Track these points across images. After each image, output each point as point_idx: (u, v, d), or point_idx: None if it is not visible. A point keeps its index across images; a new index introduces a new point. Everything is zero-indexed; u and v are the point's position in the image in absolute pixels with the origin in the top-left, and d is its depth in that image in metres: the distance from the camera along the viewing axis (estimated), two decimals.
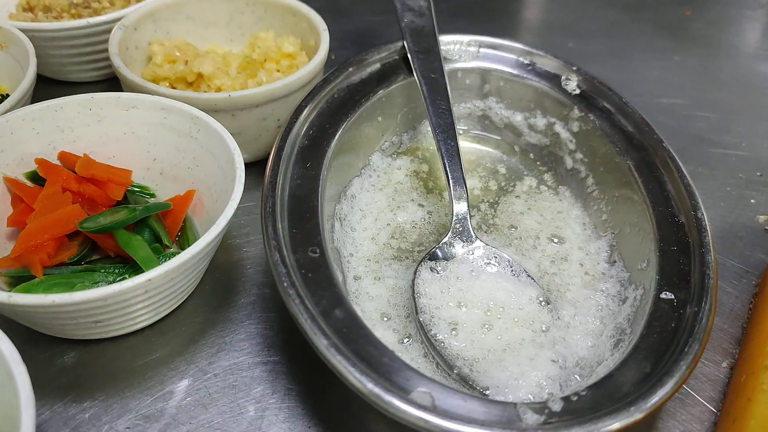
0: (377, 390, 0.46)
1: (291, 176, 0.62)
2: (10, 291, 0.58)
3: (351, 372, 0.47)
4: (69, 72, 0.87)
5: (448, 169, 0.67)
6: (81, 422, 0.55)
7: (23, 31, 0.77)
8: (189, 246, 0.61)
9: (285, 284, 0.53)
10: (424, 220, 0.71)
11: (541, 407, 0.48)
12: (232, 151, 0.62)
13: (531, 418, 0.47)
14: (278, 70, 0.80)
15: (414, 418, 0.45)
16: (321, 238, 0.58)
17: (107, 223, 0.61)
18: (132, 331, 0.61)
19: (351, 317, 0.52)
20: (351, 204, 0.71)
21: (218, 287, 0.66)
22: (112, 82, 0.91)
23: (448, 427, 0.45)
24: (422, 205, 0.72)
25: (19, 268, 0.60)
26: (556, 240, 0.70)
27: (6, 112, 0.66)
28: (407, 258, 0.67)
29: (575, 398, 0.49)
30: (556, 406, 0.48)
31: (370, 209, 0.71)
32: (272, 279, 0.67)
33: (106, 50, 0.82)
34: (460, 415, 0.46)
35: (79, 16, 0.90)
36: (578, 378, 0.57)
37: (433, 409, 0.46)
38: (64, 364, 0.59)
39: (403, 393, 0.47)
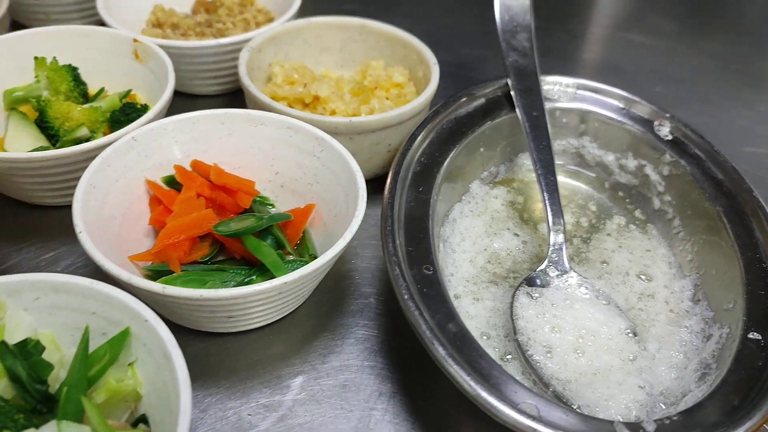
0: (490, 399, 0.52)
1: (406, 199, 0.68)
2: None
3: (466, 380, 0.53)
4: (193, 86, 0.95)
5: (547, 201, 0.72)
6: (209, 405, 0.62)
7: (160, 47, 0.85)
8: (308, 254, 0.67)
9: (405, 296, 0.58)
10: (519, 248, 0.76)
11: (635, 427, 0.52)
12: (354, 172, 0.68)
13: None
14: (387, 98, 0.85)
15: (523, 426, 0.50)
16: (433, 257, 0.64)
17: (238, 229, 0.67)
18: (254, 327, 0.67)
19: (462, 332, 0.57)
20: (452, 227, 0.76)
21: (329, 295, 0.72)
22: (231, 96, 0.98)
23: None
24: (517, 235, 0.77)
25: (158, 262, 0.67)
26: (644, 277, 0.74)
27: (149, 122, 0.73)
28: (503, 282, 0.72)
29: (668, 421, 0.53)
30: (650, 427, 0.52)
31: (468, 233, 0.76)
32: (378, 290, 0.73)
33: (229, 67, 0.90)
34: (563, 426, 0.51)
35: (203, 35, 0.98)
36: (663, 406, 0.61)
37: (540, 419, 0.51)
38: (193, 353, 0.65)
39: (512, 403, 0.52)
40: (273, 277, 0.61)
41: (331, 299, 0.72)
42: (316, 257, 0.70)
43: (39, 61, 0.82)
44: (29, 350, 0.54)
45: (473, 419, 0.62)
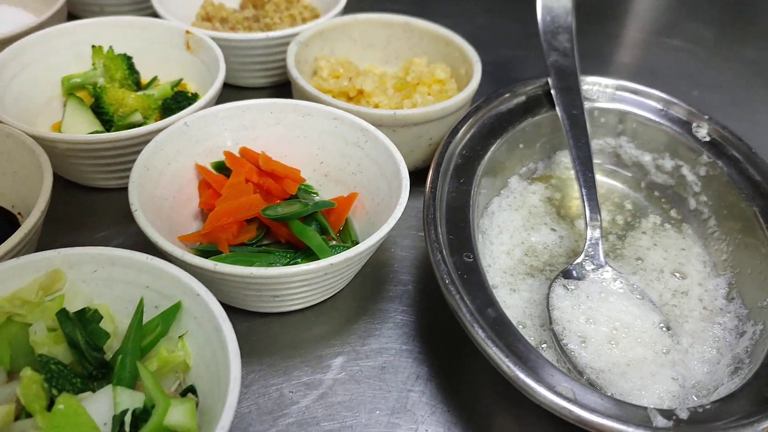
0: (528, 380, 0.53)
1: (447, 189, 0.70)
2: None
3: (505, 362, 0.54)
4: (240, 78, 0.97)
5: (585, 197, 0.74)
6: (252, 381, 0.64)
7: (212, 39, 0.87)
8: (350, 240, 0.70)
9: (446, 281, 0.60)
10: (555, 243, 0.78)
11: (669, 413, 0.54)
12: (398, 162, 0.71)
13: (661, 422, 0.53)
14: (429, 94, 0.88)
15: (560, 407, 0.52)
16: (473, 245, 0.65)
17: (284, 213, 0.70)
18: (297, 309, 0.69)
19: (501, 317, 0.59)
20: (491, 220, 0.78)
21: (369, 281, 0.74)
22: (276, 89, 1.01)
23: (589, 417, 0.51)
24: (554, 230, 0.79)
25: (207, 243, 0.70)
26: (678, 275, 0.75)
27: (200, 110, 0.76)
28: (540, 275, 0.74)
29: (701, 410, 0.54)
30: (683, 414, 0.54)
31: (506, 227, 0.78)
32: (416, 278, 0.75)
33: (276, 60, 0.93)
34: (598, 410, 0.53)
35: (251, 29, 1.01)
36: (695, 398, 0.63)
37: (576, 402, 0.53)
38: (238, 331, 0.66)
39: (549, 386, 0.54)
40: (318, 260, 0.63)
41: (370, 285, 0.74)
42: (358, 243, 0.72)
43: (96, 49, 0.85)
44: (87, 318, 0.57)
45: (507, 404, 0.64)
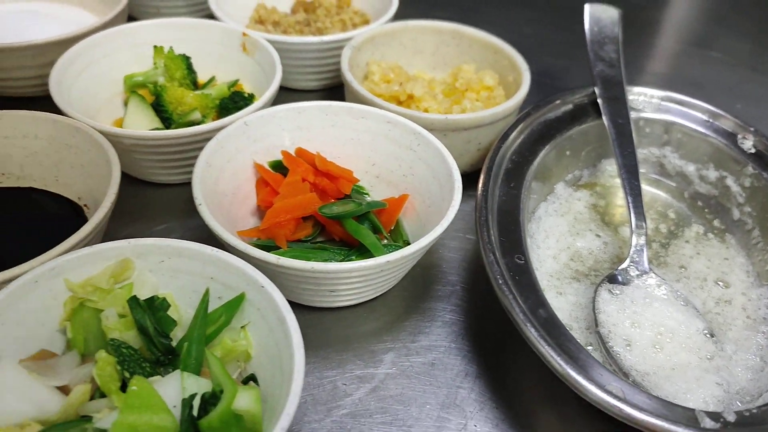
0: (579, 378, 0.55)
1: (498, 193, 0.72)
2: None
3: (557, 360, 0.56)
4: (292, 80, 1.00)
5: (631, 204, 0.75)
6: (307, 372, 0.66)
7: (268, 41, 0.90)
8: (402, 240, 0.72)
9: (499, 281, 0.62)
10: (600, 249, 0.79)
11: (716, 416, 0.55)
12: (451, 165, 0.73)
13: (708, 423, 0.54)
14: (477, 100, 0.90)
15: (610, 405, 0.54)
16: (524, 248, 0.67)
17: (340, 212, 0.72)
18: (349, 305, 0.71)
19: (552, 317, 0.61)
20: (538, 224, 0.80)
21: (418, 281, 0.76)
22: (326, 92, 1.04)
23: (640, 416, 0.53)
24: (599, 236, 0.81)
25: (265, 239, 0.72)
26: (721, 284, 0.76)
27: (258, 110, 0.78)
28: (585, 279, 0.75)
29: (747, 414, 0.56)
30: (731, 417, 0.55)
31: (553, 231, 0.80)
32: (464, 278, 0.77)
33: (327, 64, 0.96)
34: (647, 409, 0.54)
35: (302, 32, 1.04)
36: (739, 404, 0.64)
37: (626, 401, 0.54)
38: None
39: (599, 384, 0.55)
40: (372, 257, 0.65)
41: (419, 285, 0.76)
42: (409, 243, 0.74)
43: (158, 49, 0.88)
44: (156, 306, 0.60)
45: (553, 402, 0.66)
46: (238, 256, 0.62)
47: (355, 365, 0.68)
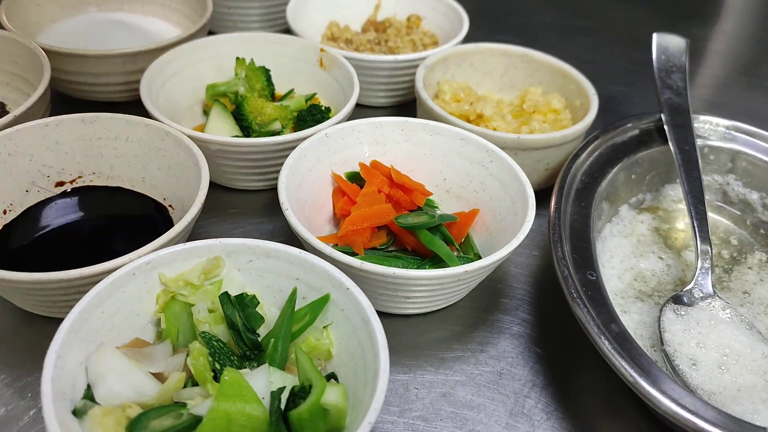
0: (653, 391, 0.57)
1: (570, 211, 0.75)
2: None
3: (630, 372, 0.58)
4: (363, 96, 1.03)
5: (696, 229, 0.77)
6: None
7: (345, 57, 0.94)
8: (472, 253, 0.74)
9: (574, 295, 0.64)
10: (663, 271, 0.81)
11: None
12: (524, 183, 0.75)
13: None
14: (545, 122, 0.92)
15: (684, 419, 0.56)
16: (596, 264, 0.70)
17: (414, 223, 0.75)
18: (421, 312, 0.74)
19: (623, 332, 0.63)
20: (603, 244, 0.82)
21: (485, 293, 0.79)
22: (395, 109, 1.07)
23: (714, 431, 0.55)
24: (662, 258, 0.82)
25: (342, 245, 0.75)
26: None
27: (337, 123, 0.82)
28: (648, 299, 0.77)
29: None
30: None
31: (617, 252, 0.82)
32: (531, 292, 0.79)
33: (398, 82, 1.00)
34: (719, 425, 0.56)
35: (373, 51, 1.07)
36: None
37: (699, 415, 0.56)
38: None
39: (673, 398, 0.57)
40: (446, 268, 0.68)
41: (486, 297, 0.78)
42: (479, 256, 0.77)
43: (239, 61, 0.92)
44: (246, 303, 0.63)
45: (616, 415, 0.68)
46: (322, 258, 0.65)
47: (426, 371, 0.70)
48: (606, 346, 0.60)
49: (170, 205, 0.79)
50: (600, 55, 1.29)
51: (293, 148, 0.78)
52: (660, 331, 0.71)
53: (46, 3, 1.05)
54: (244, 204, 0.87)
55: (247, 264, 0.66)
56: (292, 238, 0.67)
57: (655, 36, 0.96)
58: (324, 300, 0.63)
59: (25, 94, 0.92)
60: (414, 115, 0.86)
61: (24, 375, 0.67)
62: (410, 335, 0.73)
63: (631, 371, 0.58)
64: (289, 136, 0.79)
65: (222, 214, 0.86)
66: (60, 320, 0.70)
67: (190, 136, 0.77)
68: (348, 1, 1.16)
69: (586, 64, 1.00)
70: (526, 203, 0.73)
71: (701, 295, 0.75)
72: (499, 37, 1.15)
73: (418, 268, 0.74)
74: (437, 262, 0.74)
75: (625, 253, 0.82)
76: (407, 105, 1.08)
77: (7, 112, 0.89)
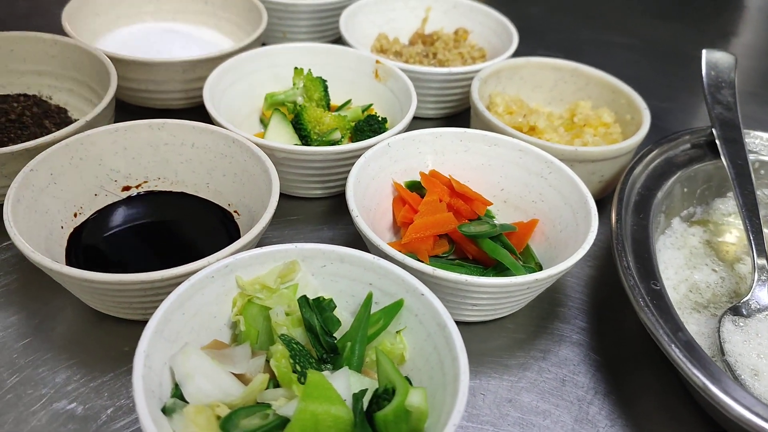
0: (727, 399, 0.58)
1: (630, 222, 0.76)
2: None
3: (702, 380, 0.60)
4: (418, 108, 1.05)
5: (752, 241, 0.78)
6: None
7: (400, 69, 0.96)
8: (533, 263, 0.76)
9: (642, 304, 0.66)
10: (717, 283, 0.82)
11: None
12: (585, 193, 0.77)
13: None
14: (595, 135, 0.94)
15: (758, 426, 0.57)
16: (658, 274, 0.71)
17: (478, 231, 0.76)
18: (483, 320, 0.75)
19: (690, 342, 0.64)
20: (657, 256, 0.83)
21: (543, 302, 0.80)
22: (442, 120, 1.09)
23: None
24: (715, 270, 0.84)
25: (406, 252, 0.77)
26: None
27: (399, 133, 0.83)
28: (705, 311, 0.78)
29: None
30: None
31: (671, 263, 0.83)
32: (589, 301, 0.81)
33: (448, 94, 1.01)
34: None
35: (422, 63, 1.09)
36: None
37: None
38: None
39: (746, 406, 0.58)
40: (512, 276, 0.69)
41: (545, 306, 0.80)
42: (540, 266, 0.78)
43: (298, 71, 0.94)
44: (323, 306, 0.65)
45: (679, 423, 0.69)
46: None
47: (490, 377, 0.71)
48: (676, 353, 0.62)
49: (235, 211, 0.81)
50: (640, 70, 1.30)
51: (354, 157, 0.80)
52: (720, 342, 0.72)
53: (105, 12, 1.07)
54: (303, 211, 0.89)
55: (321, 269, 0.67)
56: (351, 246, 0.68)
57: (704, 52, 0.98)
58: (398, 305, 0.64)
59: (87, 100, 0.94)
60: (463, 127, 0.87)
61: (98, 375, 0.68)
62: (474, 342, 0.75)
63: (703, 379, 0.60)
64: (353, 146, 0.81)
65: (282, 220, 0.87)
66: (129, 321, 0.72)
67: (257, 144, 0.79)
68: (397, 14, 1.18)
69: (628, 80, 1.02)
70: (588, 214, 0.74)
71: (758, 306, 0.76)
72: (541, 53, 1.17)
73: (479, 276, 0.76)
74: (500, 271, 0.75)
75: (679, 264, 0.84)
76: (455, 117, 1.10)
77: (70, 118, 0.92)
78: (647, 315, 0.65)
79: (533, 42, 1.25)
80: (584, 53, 1.32)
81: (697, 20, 1.59)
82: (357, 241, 0.83)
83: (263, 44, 1.03)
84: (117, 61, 0.90)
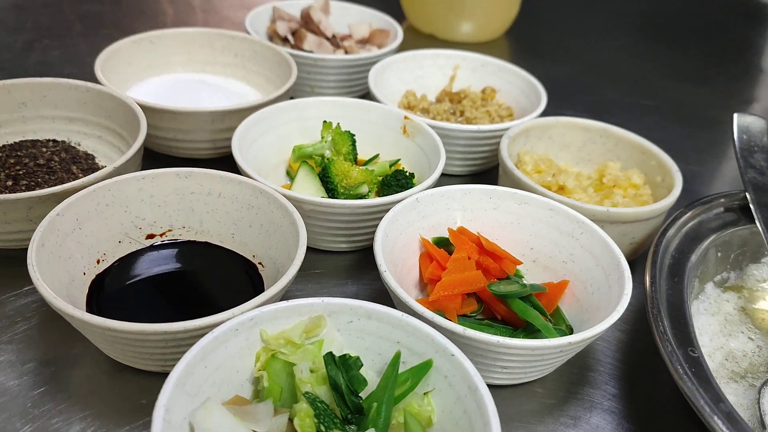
0: None
1: (665, 287, 0.74)
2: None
3: None
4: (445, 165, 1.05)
5: None
6: None
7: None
8: (564, 325, 0.74)
9: (680, 371, 0.63)
10: (755, 352, 0.79)
11: None
12: (618, 255, 0.75)
13: None
14: (625, 197, 0.92)
15: None
16: (695, 341, 0.69)
17: (508, 291, 0.74)
18: (512, 383, 0.73)
19: (732, 413, 0.62)
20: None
21: (573, 366, 0.77)
22: (469, 177, 1.08)
23: None
24: (752, 339, 0.81)
25: (434, 310, 0.75)
26: None
27: (426, 189, 0.82)
28: (742, 381, 0.76)
29: None
30: None
31: (705, 330, 0.81)
32: (620, 367, 0.78)
33: (476, 152, 1.01)
34: None
35: (449, 120, 1.09)
36: None
37: None
38: None
39: None
40: (543, 338, 0.67)
41: (575, 371, 0.77)
42: (571, 328, 0.76)
43: (326, 124, 0.94)
44: (350, 364, 0.63)
45: None
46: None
47: None
48: (718, 425, 0.59)
49: (260, 263, 0.80)
50: (667, 132, 1.29)
51: (382, 211, 0.79)
52: (761, 414, 0.69)
53: (137, 61, 1.08)
54: (327, 264, 0.88)
55: (347, 324, 0.65)
56: (377, 302, 0.67)
57: (735, 116, 0.97)
58: (427, 365, 0.62)
59: (115, 147, 0.94)
60: (488, 184, 0.86)
61: (114, 427, 0.66)
62: (502, 406, 0.71)
63: None
64: (381, 200, 0.80)
65: (305, 273, 0.86)
66: (148, 372, 0.70)
67: (286, 195, 0.78)
68: (425, 72, 1.19)
69: (654, 142, 1.01)
70: (622, 276, 0.72)
71: None
72: (567, 113, 1.17)
73: (511, 338, 0.73)
74: (530, 332, 0.73)
75: (714, 331, 0.81)
76: (481, 174, 1.09)
77: (97, 164, 0.92)
78: (686, 384, 0.62)
79: (559, 101, 1.25)
80: (610, 114, 1.32)
81: (722, 84, 1.59)
82: (382, 297, 0.82)
83: (291, 98, 1.03)
84: (146, 109, 0.90)
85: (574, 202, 0.83)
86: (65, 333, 0.73)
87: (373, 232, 0.75)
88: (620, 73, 1.56)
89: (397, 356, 0.63)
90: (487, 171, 1.09)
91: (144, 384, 0.70)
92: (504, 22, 1.57)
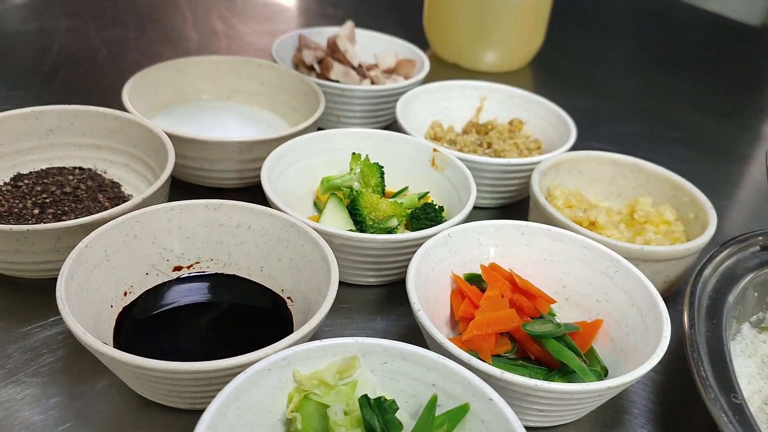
0: None
1: (703, 329, 0.72)
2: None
3: None
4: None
5: None
6: None
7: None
8: (599, 366, 0.72)
9: (724, 419, 0.62)
10: None
11: None
12: (654, 295, 0.73)
13: None
14: (656, 233, 0.91)
15: None
16: (738, 387, 0.67)
17: (543, 331, 0.73)
18: (547, 425, 0.71)
19: None
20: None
21: (607, 409, 0.76)
22: (496, 210, 1.07)
23: None
24: None
25: (467, 350, 0.73)
26: None
27: (458, 224, 0.81)
28: None
29: None
30: None
31: (743, 372, 0.79)
32: (656, 410, 0.76)
33: (504, 185, 0.99)
34: None
35: (475, 152, 1.08)
36: None
37: None
38: None
39: None
40: (579, 381, 0.65)
41: (609, 414, 0.75)
42: (606, 369, 0.74)
43: (355, 156, 0.93)
44: (385, 407, 0.61)
45: None
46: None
47: None
48: None
49: (289, 297, 0.79)
50: (694, 166, 1.28)
51: (414, 246, 0.78)
52: None
53: (163, 89, 1.08)
54: (355, 299, 0.86)
55: (381, 365, 0.64)
56: (406, 339, 0.65)
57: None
58: (464, 409, 0.61)
59: (141, 176, 0.93)
60: (516, 218, 0.84)
61: None
62: None
63: None
64: (414, 234, 0.78)
65: (334, 308, 0.84)
66: (175, 409, 0.69)
67: (316, 229, 0.77)
68: (451, 103, 1.18)
69: (682, 175, 0.99)
70: (659, 317, 0.71)
71: None
72: (593, 144, 1.16)
73: (545, 380, 0.72)
74: (564, 373, 0.72)
75: (751, 374, 0.79)
76: (509, 208, 1.08)
77: (123, 193, 0.91)
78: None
79: (584, 132, 1.24)
80: (637, 146, 1.31)
81: (747, 117, 1.58)
82: (413, 333, 0.80)
83: (319, 128, 1.02)
84: (173, 138, 0.90)
85: (607, 239, 0.82)
86: (91, 366, 0.72)
87: (402, 266, 0.74)
88: (644, 104, 1.55)
89: (433, 400, 0.62)
90: (515, 204, 1.08)
91: (172, 421, 0.68)
92: (528, 52, 1.57)
